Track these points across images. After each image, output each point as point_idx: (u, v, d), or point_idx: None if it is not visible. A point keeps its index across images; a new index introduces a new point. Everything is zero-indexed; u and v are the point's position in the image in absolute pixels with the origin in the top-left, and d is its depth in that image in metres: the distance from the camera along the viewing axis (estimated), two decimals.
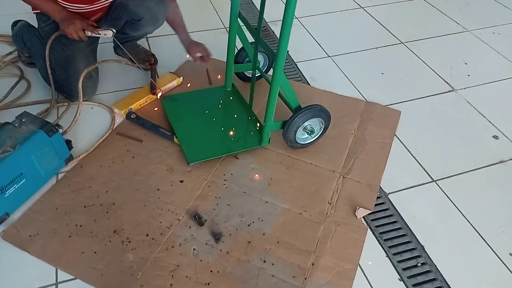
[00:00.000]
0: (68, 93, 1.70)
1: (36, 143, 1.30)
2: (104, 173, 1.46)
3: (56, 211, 1.33)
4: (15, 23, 1.91)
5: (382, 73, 2.05)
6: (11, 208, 1.31)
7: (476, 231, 1.37)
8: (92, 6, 1.58)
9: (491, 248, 1.33)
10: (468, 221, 1.40)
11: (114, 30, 1.54)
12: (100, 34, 1.52)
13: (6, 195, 1.26)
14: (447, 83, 2.00)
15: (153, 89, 1.76)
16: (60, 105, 1.71)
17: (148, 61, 1.89)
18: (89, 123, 1.64)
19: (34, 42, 1.75)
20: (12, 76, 1.83)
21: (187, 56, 1.81)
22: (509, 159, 1.62)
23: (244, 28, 1.59)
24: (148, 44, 2.10)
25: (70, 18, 1.50)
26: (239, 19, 1.60)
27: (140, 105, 1.73)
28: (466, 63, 2.14)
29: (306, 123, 1.52)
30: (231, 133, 1.61)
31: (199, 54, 1.77)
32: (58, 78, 1.66)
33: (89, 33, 1.51)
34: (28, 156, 1.29)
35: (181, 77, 1.87)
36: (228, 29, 1.68)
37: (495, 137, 1.72)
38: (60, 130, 1.45)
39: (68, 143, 1.46)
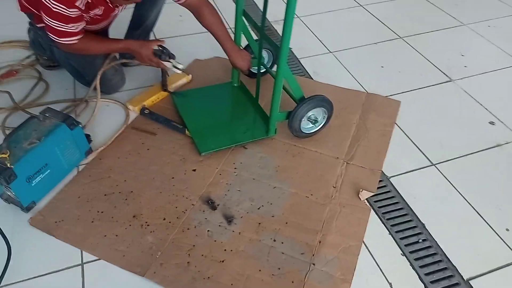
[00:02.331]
0: (105, 91, 1.80)
1: (59, 136, 1.40)
2: (122, 164, 1.56)
3: (79, 199, 1.43)
4: (29, 30, 2.01)
5: (382, 67, 2.13)
6: (38, 197, 1.40)
7: (474, 209, 1.45)
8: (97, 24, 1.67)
9: (488, 224, 1.40)
10: (466, 200, 1.48)
11: (180, 66, 1.66)
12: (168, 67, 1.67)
13: (32, 184, 1.35)
14: (445, 74, 2.08)
15: (164, 87, 1.86)
16: (79, 103, 1.81)
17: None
18: (105, 119, 1.74)
19: (54, 51, 1.83)
20: (31, 78, 1.94)
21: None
22: (505, 143, 1.70)
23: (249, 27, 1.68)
24: None
25: (136, 51, 1.61)
26: (243, 18, 1.70)
27: (153, 101, 1.82)
28: (462, 55, 2.22)
29: (309, 113, 1.61)
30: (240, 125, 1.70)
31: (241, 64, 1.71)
32: (89, 78, 1.76)
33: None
34: (52, 148, 1.39)
35: (190, 75, 1.97)
36: (233, 28, 1.78)
37: (492, 123, 1.80)
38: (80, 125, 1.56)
39: (87, 137, 1.56)
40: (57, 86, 1.91)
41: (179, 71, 1.68)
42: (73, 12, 1.40)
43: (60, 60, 1.87)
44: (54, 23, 1.42)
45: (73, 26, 1.45)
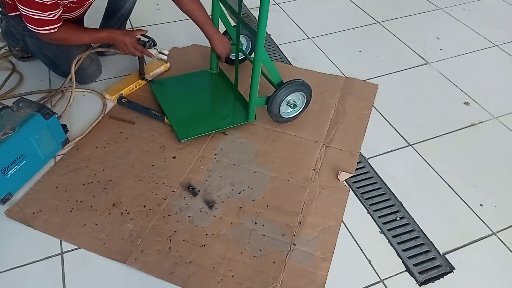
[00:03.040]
0: (81, 81, 1.78)
1: (34, 126, 1.37)
2: (100, 153, 1.54)
3: (57, 189, 1.41)
4: (1, 20, 1.96)
5: (360, 51, 2.15)
6: (14, 188, 1.38)
7: (450, 186, 1.49)
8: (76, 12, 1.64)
9: (463, 200, 1.44)
10: (442, 178, 1.51)
11: (166, 52, 1.66)
12: (152, 54, 1.66)
13: (8, 176, 1.33)
14: (421, 57, 2.11)
15: (141, 75, 1.84)
16: (54, 93, 1.77)
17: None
18: (82, 109, 1.72)
19: (26, 41, 1.79)
20: (4, 70, 1.89)
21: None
22: (479, 122, 1.74)
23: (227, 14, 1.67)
24: None
25: (120, 39, 1.59)
26: (220, 4, 1.69)
27: (130, 90, 1.80)
28: (438, 38, 2.25)
29: (288, 97, 1.61)
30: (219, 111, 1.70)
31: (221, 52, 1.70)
32: (64, 68, 1.74)
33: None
34: (27, 138, 1.36)
35: (168, 63, 1.95)
36: (210, 15, 1.76)
37: (466, 103, 1.84)
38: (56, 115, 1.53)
39: (64, 127, 1.54)
40: (32, 77, 1.87)
41: (165, 57, 1.68)
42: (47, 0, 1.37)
43: (33, 51, 1.83)
44: (30, 12, 1.39)
45: (50, 14, 1.41)
